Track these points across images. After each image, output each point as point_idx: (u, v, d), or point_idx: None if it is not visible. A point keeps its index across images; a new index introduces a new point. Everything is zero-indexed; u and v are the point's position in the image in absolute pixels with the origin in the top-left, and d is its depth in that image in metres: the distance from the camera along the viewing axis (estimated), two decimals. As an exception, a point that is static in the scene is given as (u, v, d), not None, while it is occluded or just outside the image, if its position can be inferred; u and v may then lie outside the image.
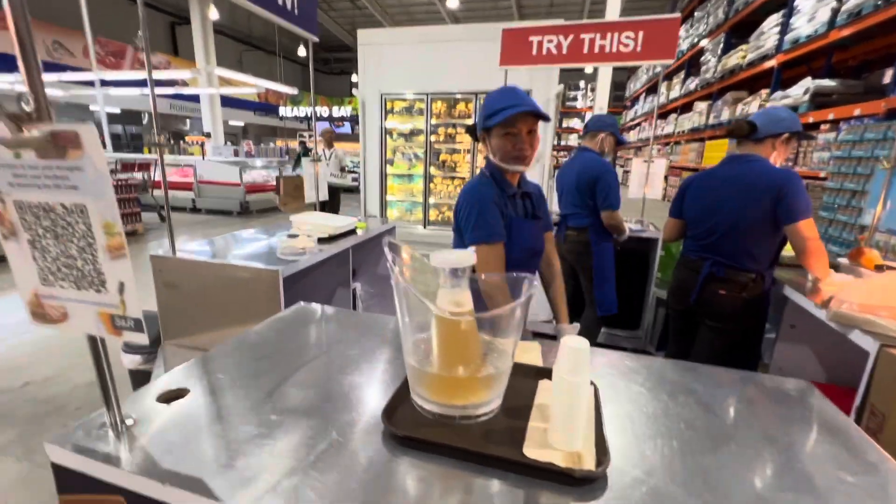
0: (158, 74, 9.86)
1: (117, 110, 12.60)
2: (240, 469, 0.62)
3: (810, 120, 3.71)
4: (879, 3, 2.98)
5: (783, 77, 4.41)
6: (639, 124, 10.30)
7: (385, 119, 4.94)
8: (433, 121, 4.85)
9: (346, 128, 17.55)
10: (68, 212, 0.56)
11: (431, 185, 5.12)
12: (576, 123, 12.29)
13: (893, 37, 3.38)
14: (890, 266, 1.82)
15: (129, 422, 0.70)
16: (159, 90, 11.70)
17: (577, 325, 1.50)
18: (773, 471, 0.67)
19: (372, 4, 13.26)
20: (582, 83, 11.97)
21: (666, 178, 7.37)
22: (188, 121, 15.78)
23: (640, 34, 2.94)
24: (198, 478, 0.60)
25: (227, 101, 14.58)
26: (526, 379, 0.87)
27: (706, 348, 1.84)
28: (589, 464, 0.62)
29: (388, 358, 1.00)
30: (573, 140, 12.38)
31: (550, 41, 3.16)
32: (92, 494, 0.65)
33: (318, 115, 17.15)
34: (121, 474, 0.61)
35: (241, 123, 17.83)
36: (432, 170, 5.05)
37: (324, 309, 1.29)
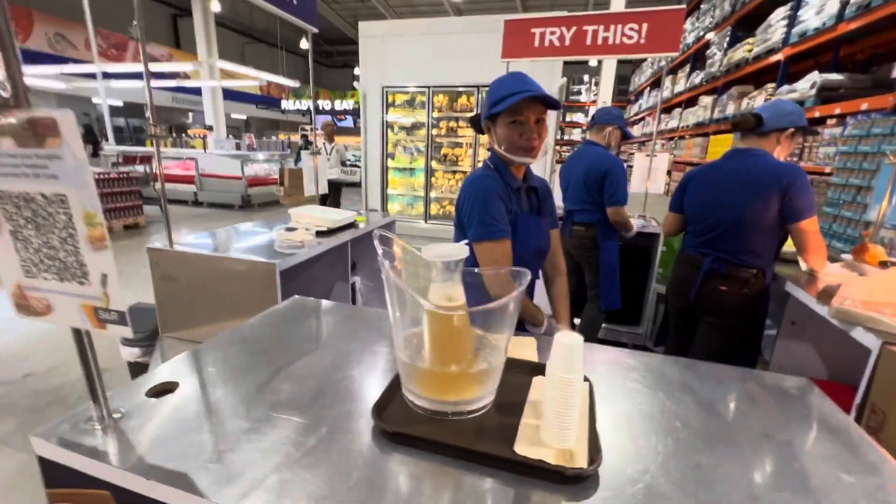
0: (160, 67, 9.86)
1: (120, 103, 12.57)
2: (226, 464, 0.61)
3: (816, 114, 3.66)
4: (890, -6, 2.92)
5: (790, 71, 4.35)
6: (643, 119, 10.21)
7: (386, 112, 4.91)
8: (435, 114, 4.82)
9: (349, 121, 17.47)
10: (49, 202, 0.55)
11: (433, 179, 5.09)
12: (579, 118, 12.18)
13: (903, 30, 3.32)
14: (894, 262, 1.79)
15: (116, 416, 0.70)
16: (161, 83, 11.72)
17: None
18: (770, 470, 0.66)
19: (374, -4, 13.16)
20: (586, 77, 11.85)
21: (669, 172, 7.31)
22: (190, 114, 15.74)
23: (645, 26, 2.89)
24: (183, 473, 0.59)
25: (230, 95, 14.53)
26: (520, 375, 0.86)
27: (706, 345, 1.82)
28: (581, 462, 0.61)
29: (382, 352, 0.99)
30: (576, 135, 12.29)
31: (553, 33, 3.12)
32: (78, 489, 0.64)
33: (321, 108, 17.07)
34: (106, 469, 0.61)
35: (244, 117, 17.78)
36: (434, 164, 5.02)
37: (319, 303, 1.28)
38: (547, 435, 0.66)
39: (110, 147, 8.40)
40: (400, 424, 0.69)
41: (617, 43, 2.97)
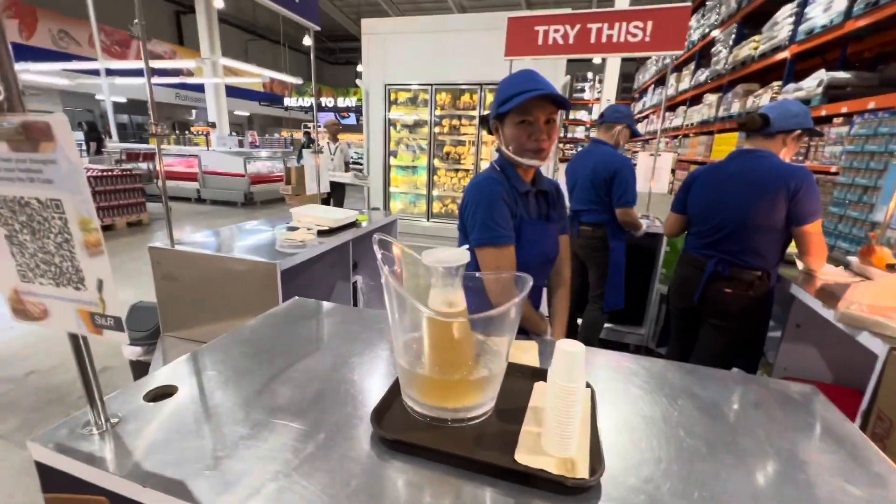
0: (163, 64, 9.85)
1: (123, 99, 12.60)
2: (223, 472, 0.60)
3: (823, 113, 3.62)
4: (899, -9, 2.88)
5: (796, 69, 4.30)
6: (647, 117, 10.14)
7: (389, 110, 4.89)
8: (437, 112, 4.80)
9: (352, 119, 17.45)
10: (44, 206, 0.54)
11: (435, 178, 5.07)
12: (583, 115, 12.11)
13: (912, 27, 3.27)
14: (902, 265, 1.77)
15: (114, 420, 0.69)
16: (164, 79, 11.74)
17: None
18: (774, 481, 0.65)
19: (377, -7, 13.11)
20: (590, 74, 11.76)
21: (673, 171, 7.26)
22: (193, 111, 15.76)
23: (650, 24, 2.86)
24: (180, 480, 0.58)
25: (233, 91, 14.54)
26: (521, 380, 0.85)
27: (709, 347, 1.80)
28: (582, 471, 0.60)
29: (381, 356, 0.98)
30: (580, 132, 12.22)
31: (557, 31, 3.09)
32: (75, 494, 0.64)
33: (324, 105, 17.04)
34: (102, 475, 0.60)
35: (247, 113, 17.80)
36: (436, 162, 5.00)
37: (319, 304, 1.27)
38: (548, 443, 0.65)
39: (114, 144, 8.43)
40: (399, 431, 0.68)
41: (622, 41, 2.94)
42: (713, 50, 6.32)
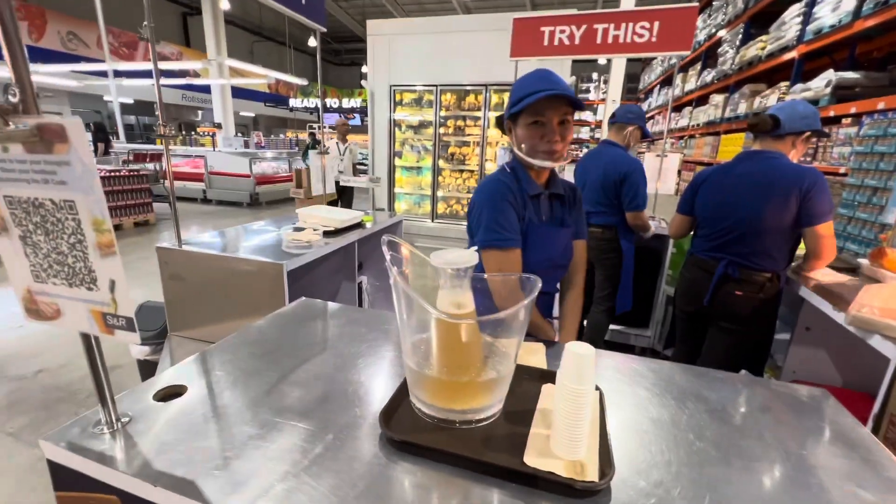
0: (170, 65, 9.91)
1: (131, 101, 12.71)
2: (233, 472, 0.61)
3: (831, 113, 3.58)
4: (910, -9, 2.85)
5: (804, 69, 4.26)
6: (652, 117, 10.10)
7: (394, 111, 4.90)
8: (442, 113, 4.80)
9: (357, 120, 17.51)
10: (57, 207, 0.55)
11: (440, 178, 5.08)
12: (588, 116, 12.07)
13: (922, 27, 3.23)
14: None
15: (124, 419, 0.70)
16: (171, 81, 11.80)
17: None
18: (786, 485, 0.64)
19: (383, -6, 13.14)
20: (595, 75, 11.72)
21: (679, 172, 7.22)
22: (200, 112, 15.87)
23: (656, 24, 2.85)
24: (190, 480, 0.59)
25: (238, 92, 14.61)
26: (529, 382, 0.84)
27: (717, 349, 1.79)
28: (592, 474, 0.60)
29: (388, 356, 0.98)
30: (584, 133, 12.18)
31: (563, 31, 3.08)
32: (87, 493, 0.64)
33: (329, 106, 17.12)
34: (113, 474, 0.60)
35: (252, 114, 17.88)
36: (441, 162, 5.00)
37: (326, 305, 1.27)
38: (557, 446, 0.65)
39: (121, 145, 8.50)
40: (407, 432, 0.68)
41: (628, 41, 2.93)
42: (720, 50, 6.28)
